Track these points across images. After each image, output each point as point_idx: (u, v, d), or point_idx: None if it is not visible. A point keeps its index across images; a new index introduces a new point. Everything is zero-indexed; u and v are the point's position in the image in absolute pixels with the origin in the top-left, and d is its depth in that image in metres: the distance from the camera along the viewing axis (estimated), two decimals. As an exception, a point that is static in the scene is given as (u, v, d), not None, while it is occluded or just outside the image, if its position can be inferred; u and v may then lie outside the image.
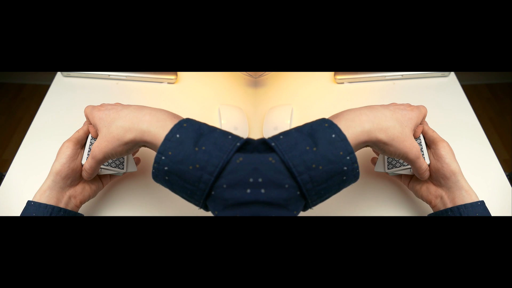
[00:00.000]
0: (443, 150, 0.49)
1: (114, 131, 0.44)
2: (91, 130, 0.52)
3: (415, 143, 0.46)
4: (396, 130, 0.44)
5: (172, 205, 0.58)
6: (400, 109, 0.47)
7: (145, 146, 0.46)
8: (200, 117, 0.71)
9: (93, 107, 0.49)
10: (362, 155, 0.63)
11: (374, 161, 0.57)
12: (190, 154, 0.39)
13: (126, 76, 0.77)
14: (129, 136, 0.44)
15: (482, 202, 0.47)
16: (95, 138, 0.52)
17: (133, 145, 0.45)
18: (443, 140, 0.51)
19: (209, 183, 0.38)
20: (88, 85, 0.77)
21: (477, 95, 1.85)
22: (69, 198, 0.49)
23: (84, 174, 0.50)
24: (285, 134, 0.41)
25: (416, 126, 0.48)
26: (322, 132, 0.40)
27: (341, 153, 0.39)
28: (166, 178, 0.40)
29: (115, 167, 0.53)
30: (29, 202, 0.47)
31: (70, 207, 0.49)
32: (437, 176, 0.50)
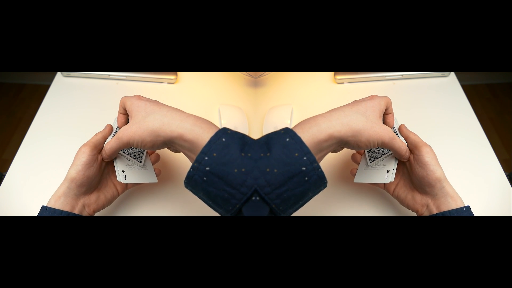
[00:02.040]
0: (427, 157, 0.48)
1: (150, 121, 0.44)
2: (121, 119, 0.51)
3: (385, 126, 0.46)
4: (360, 121, 0.44)
5: (174, 205, 0.58)
6: (359, 101, 0.48)
7: (170, 147, 0.46)
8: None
9: (131, 96, 0.50)
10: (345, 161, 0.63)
11: (353, 172, 0.56)
12: (236, 158, 0.40)
13: (126, 76, 0.77)
14: (166, 129, 0.44)
15: (468, 207, 0.47)
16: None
17: (163, 141, 0.45)
18: (426, 145, 0.49)
19: (252, 188, 0.39)
20: (88, 85, 0.77)
21: (477, 95, 1.86)
22: (83, 206, 0.49)
23: (103, 153, 0.50)
24: None
25: (381, 113, 0.48)
26: (276, 138, 0.42)
27: (297, 154, 0.40)
28: (205, 178, 0.41)
29: (134, 158, 0.53)
30: (43, 208, 0.47)
31: (83, 215, 0.49)
32: (422, 184, 0.49)
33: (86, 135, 0.52)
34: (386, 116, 0.51)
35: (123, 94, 0.75)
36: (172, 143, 0.45)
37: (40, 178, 0.61)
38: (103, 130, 0.53)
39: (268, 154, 0.40)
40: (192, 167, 0.41)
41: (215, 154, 0.40)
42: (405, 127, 0.53)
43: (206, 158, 0.40)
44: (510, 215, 0.57)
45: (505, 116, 1.74)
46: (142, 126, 0.45)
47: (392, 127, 0.53)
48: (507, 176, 0.62)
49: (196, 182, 0.42)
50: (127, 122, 0.52)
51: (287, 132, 0.42)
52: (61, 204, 0.47)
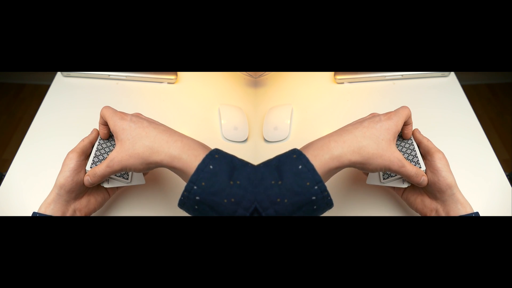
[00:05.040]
0: (439, 163, 0.48)
1: (140, 148, 0.44)
2: (103, 130, 0.51)
3: (395, 153, 0.45)
4: (371, 148, 0.44)
5: (165, 205, 0.58)
6: (375, 122, 0.46)
7: (166, 167, 0.46)
8: (200, 117, 0.71)
9: (114, 112, 0.48)
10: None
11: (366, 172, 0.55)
12: (225, 187, 0.39)
13: (126, 76, 0.77)
14: (155, 157, 0.43)
15: (477, 213, 0.47)
16: (104, 138, 0.52)
17: (155, 166, 0.45)
18: (439, 151, 0.49)
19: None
20: (88, 85, 0.77)
21: (477, 95, 1.85)
22: (74, 211, 0.49)
23: (89, 180, 0.47)
24: (255, 169, 0.42)
25: (396, 134, 0.47)
26: (289, 164, 0.41)
27: (308, 183, 0.39)
28: (196, 207, 0.40)
29: (119, 176, 0.51)
30: (34, 214, 0.46)
31: None
32: (433, 189, 0.48)
33: (86, 135, 0.52)
34: (404, 126, 0.51)
35: (123, 94, 0.75)
36: (164, 167, 0.45)
37: (40, 178, 0.61)
38: (89, 135, 0.52)
39: (280, 182, 0.39)
40: (182, 195, 0.41)
41: (203, 184, 0.40)
42: (419, 132, 0.52)
43: (195, 187, 0.40)
44: (510, 215, 0.57)
45: (505, 116, 1.74)
46: (132, 155, 0.44)
47: (410, 138, 0.52)
48: (507, 176, 0.62)
49: (188, 209, 0.42)
50: (109, 132, 0.52)
51: (299, 158, 0.41)
52: (52, 211, 0.47)
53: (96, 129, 0.53)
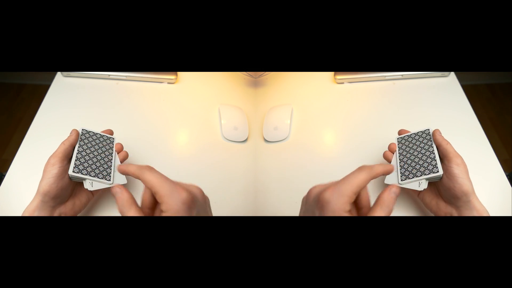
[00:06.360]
0: (456, 169, 0.47)
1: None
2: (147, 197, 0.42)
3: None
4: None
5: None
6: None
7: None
8: (200, 117, 0.71)
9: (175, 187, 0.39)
10: (375, 159, 0.63)
11: (386, 156, 0.54)
12: None
13: (126, 76, 0.77)
14: None
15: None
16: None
17: None
18: (457, 156, 0.48)
19: None
20: (88, 85, 0.77)
21: (477, 95, 1.86)
22: (60, 215, 0.48)
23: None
24: None
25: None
26: None
27: None
28: None
29: (102, 178, 0.51)
30: None
31: None
32: (448, 194, 0.48)
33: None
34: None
35: (123, 94, 0.75)
36: None
37: (40, 178, 0.61)
38: (69, 137, 0.51)
39: None
40: None
41: None
42: (439, 133, 0.52)
43: None
44: (510, 215, 0.57)
45: (505, 116, 1.75)
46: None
47: (429, 140, 0.52)
48: (507, 176, 0.62)
49: None
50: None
51: None
52: None
53: (76, 130, 0.51)
